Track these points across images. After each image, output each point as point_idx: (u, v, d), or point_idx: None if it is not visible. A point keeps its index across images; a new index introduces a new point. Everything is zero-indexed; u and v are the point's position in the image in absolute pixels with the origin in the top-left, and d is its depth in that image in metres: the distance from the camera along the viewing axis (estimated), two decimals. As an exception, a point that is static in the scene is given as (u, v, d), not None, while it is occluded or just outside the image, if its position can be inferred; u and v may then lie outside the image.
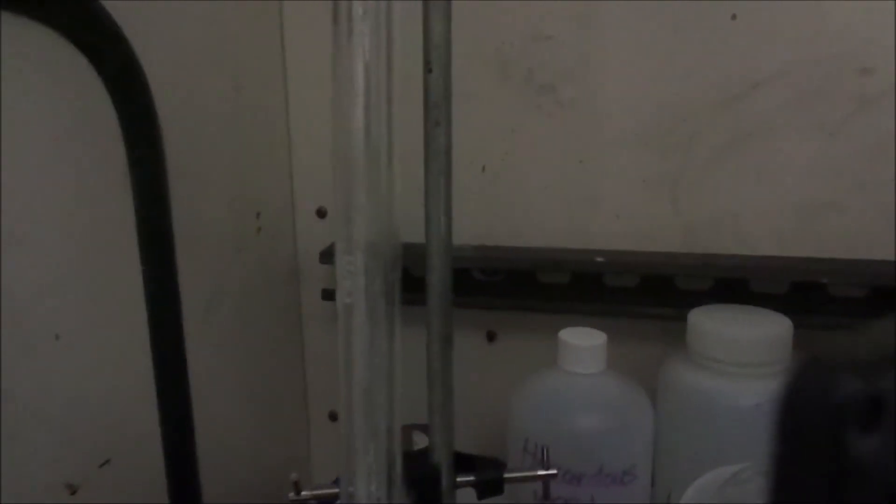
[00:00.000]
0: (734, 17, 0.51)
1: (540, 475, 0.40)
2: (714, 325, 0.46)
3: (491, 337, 0.62)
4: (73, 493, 0.39)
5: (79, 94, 0.39)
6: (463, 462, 0.40)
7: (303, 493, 0.39)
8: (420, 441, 0.44)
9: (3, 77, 0.34)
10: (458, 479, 0.39)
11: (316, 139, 0.61)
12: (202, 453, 0.46)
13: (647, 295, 0.55)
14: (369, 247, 0.21)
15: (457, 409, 0.39)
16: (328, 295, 0.60)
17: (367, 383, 0.22)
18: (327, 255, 0.58)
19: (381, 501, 0.26)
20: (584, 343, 0.47)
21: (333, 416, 0.67)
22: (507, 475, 0.39)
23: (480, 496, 0.40)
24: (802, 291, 0.52)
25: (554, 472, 0.39)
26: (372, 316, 0.21)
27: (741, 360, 0.44)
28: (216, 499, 0.48)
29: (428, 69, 0.34)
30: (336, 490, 0.39)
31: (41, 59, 0.36)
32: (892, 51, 0.49)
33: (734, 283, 0.53)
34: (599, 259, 0.55)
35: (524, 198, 0.58)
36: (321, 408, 0.67)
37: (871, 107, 0.50)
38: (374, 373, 0.22)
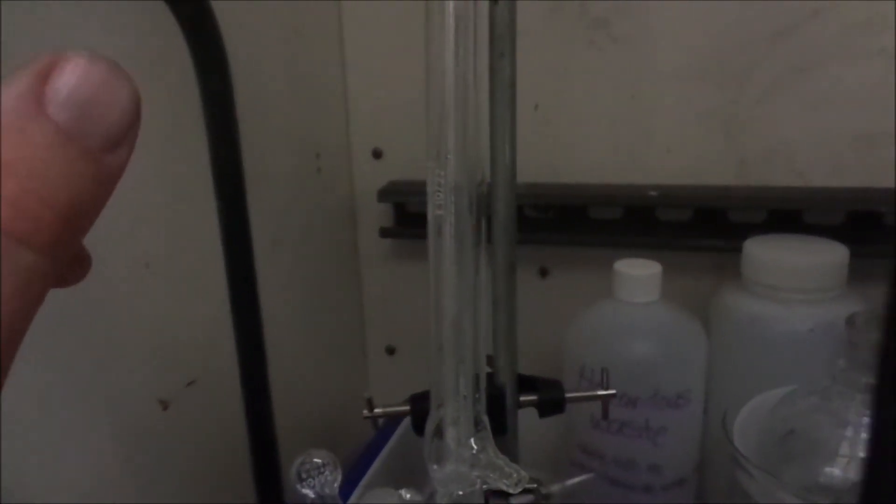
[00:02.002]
0: (793, -57, 0.51)
1: (600, 395, 0.41)
2: (770, 252, 0.47)
3: (543, 273, 0.64)
4: (165, 408, 0.42)
5: (156, 37, 0.41)
6: (525, 383, 0.42)
7: (375, 410, 0.41)
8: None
9: (86, 18, 0.36)
10: (522, 399, 0.41)
11: (371, 83, 0.63)
12: (272, 380, 0.49)
13: (700, 228, 0.56)
14: (458, 162, 0.23)
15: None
16: (386, 232, 0.63)
17: (457, 295, 0.24)
18: (385, 194, 0.60)
19: (465, 418, 0.28)
20: (638, 273, 0.48)
21: (390, 350, 0.70)
22: (568, 395, 0.41)
23: (542, 415, 0.42)
24: (858, 221, 0.52)
25: (613, 391, 0.41)
26: (459, 227, 0.23)
27: (797, 285, 0.45)
28: (285, 423, 0.51)
29: (494, 0, 0.35)
30: (406, 408, 0.42)
31: (122, 4, 0.38)
32: (958, -26, 0.48)
33: (788, 214, 0.54)
34: (652, 193, 0.55)
35: (577, 134, 0.59)
36: (378, 341, 0.70)
37: (934, 33, 0.49)
38: (463, 281, 0.24)
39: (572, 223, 0.60)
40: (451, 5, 0.22)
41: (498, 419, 0.41)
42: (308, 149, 0.59)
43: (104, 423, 0.38)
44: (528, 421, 0.42)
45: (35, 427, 0.34)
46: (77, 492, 0.37)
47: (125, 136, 0.14)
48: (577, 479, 0.32)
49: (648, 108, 0.57)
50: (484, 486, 0.26)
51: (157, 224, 0.42)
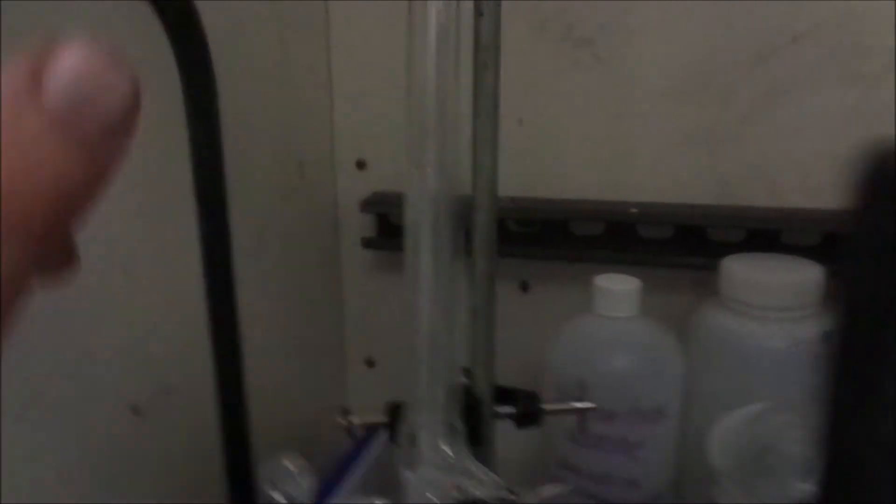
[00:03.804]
0: (773, -31, 0.52)
1: (577, 407, 0.42)
2: (747, 270, 0.47)
3: (525, 287, 0.64)
4: (137, 414, 0.42)
5: (140, 40, 0.40)
6: (503, 395, 0.42)
7: (351, 418, 0.41)
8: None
9: (71, 24, 0.36)
10: (499, 410, 0.41)
11: (357, 93, 0.63)
12: (249, 389, 0.49)
13: (680, 245, 0.57)
14: (437, 173, 0.23)
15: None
16: (368, 243, 0.62)
17: (434, 306, 0.24)
18: (368, 205, 0.60)
19: (441, 430, 0.28)
20: (618, 287, 0.48)
21: (370, 363, 0.70)
22: (545, 406, 0.41)
23: (519, 426, 0.42)
24: (834, 242, 0.53)
25: (591, 404, 0.41)
26: (437, 239, 0.23)
27: (774, 303, 0.46)
28: (261, 433, 0.51)
29: (479, 13, 0.35)
30: (382, 419, 0.42)
31: (106, 6, 0.38)
32: (932, 3, 0.49)
33: (766, 234, 0.54)
34: (633, 210, 0.56)
35: (560, 151, 0.59)
36: (358, 353, 0.70)
37: (909, 59, 0.50)
38: (441, 292, 0.24)
39: (554, 238, 0.60)
40: (433, 18, 0.22)
41: (474, 429, 0.41)
42: (291, 158, 0.58)
43: (74, 428, 0.38)
44: (506, 435, 0.42)
45: None
46: (42, 498, 0.36)
47: (123, 124, 0.13)
48: (554, 491, 0.32)
49: (631, 126, 0.57)
50: (459, 498, 0.26)
51: (135, 229, 0.41)
